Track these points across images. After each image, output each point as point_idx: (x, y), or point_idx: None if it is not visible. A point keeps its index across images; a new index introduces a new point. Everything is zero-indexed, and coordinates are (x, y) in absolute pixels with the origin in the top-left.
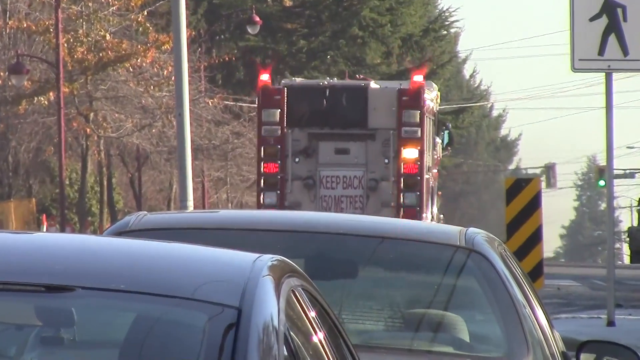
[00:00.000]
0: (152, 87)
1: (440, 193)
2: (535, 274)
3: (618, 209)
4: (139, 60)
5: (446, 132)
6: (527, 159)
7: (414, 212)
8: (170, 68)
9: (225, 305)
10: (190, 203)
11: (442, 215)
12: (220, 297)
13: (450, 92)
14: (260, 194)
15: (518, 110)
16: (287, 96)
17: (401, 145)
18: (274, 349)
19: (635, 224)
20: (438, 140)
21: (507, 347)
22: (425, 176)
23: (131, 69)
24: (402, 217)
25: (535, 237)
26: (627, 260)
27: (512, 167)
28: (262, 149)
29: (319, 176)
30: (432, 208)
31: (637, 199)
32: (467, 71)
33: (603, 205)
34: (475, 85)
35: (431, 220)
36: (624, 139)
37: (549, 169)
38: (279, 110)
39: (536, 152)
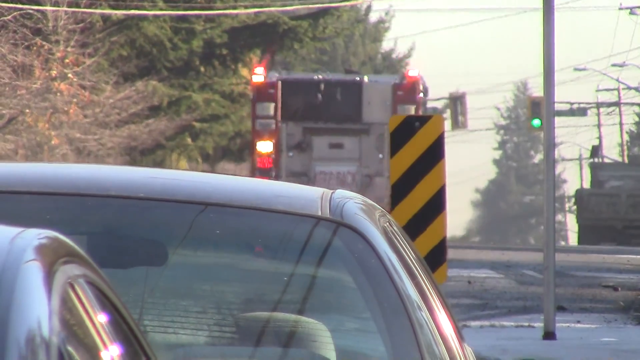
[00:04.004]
0: None
1: None
2: (434, 260)
3: (560, 162)
4: None
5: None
6: None
7: None
8: None
9: None
10: None
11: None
12: None
13: None
14: None
15: (409, 13)
16: (281, 90)
17: None
18: None
19: (586, 185)
20: None
21: None
22: None
23: None
24: None
25: (436, 205)
26: (573, 239)
27: None
28: (257, 143)
29: (313, 172)
30: None
31: (590, 148)
32: None
33: (538, 157)
34: None
35: None
36: (569, 57)
37: (456, 102)
38: (274, 103)
39: (436, 75)
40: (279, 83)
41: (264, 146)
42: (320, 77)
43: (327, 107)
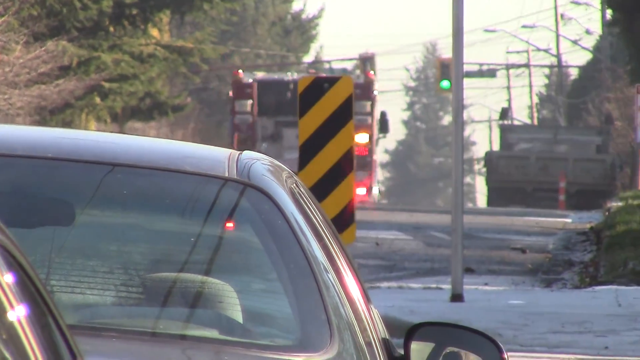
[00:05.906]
0: None
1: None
2: (342, 221)
3: (470, 124)
4: None
5: (381, 117)
6: (332, 47)
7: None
8: None
9: None
10: None
11: (379, 190)
12: None
13: None
14: None
15: None
16: (257, 89)
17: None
18: None
19: (495, 147)
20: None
21: (299, 332)
22: (374, 157)
23: None
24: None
25: (344, 167)
26: (482, 202)
27: (308, 58)
28: (236, 135)
29: (284, 159)
30: (376, 184)
31: (500, 110)
32: None
33: (447, 119)
34: None
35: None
36: (479, 18)
37: (365, 63)
38: (250, 101)
39: (345, 36)
40: (255, 83)
41: (243, 138)
42: (289, 78)
43: (295, 104)
